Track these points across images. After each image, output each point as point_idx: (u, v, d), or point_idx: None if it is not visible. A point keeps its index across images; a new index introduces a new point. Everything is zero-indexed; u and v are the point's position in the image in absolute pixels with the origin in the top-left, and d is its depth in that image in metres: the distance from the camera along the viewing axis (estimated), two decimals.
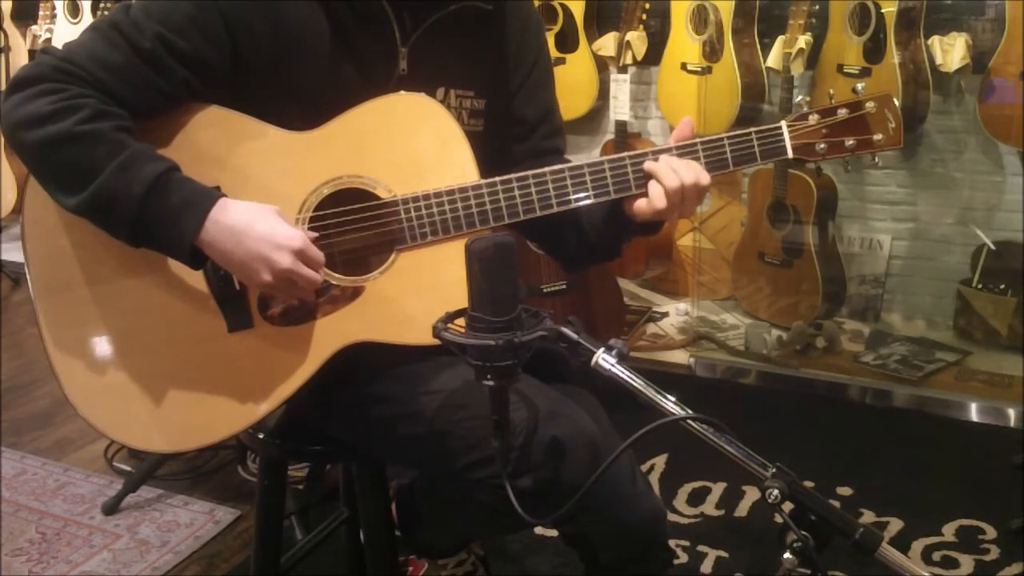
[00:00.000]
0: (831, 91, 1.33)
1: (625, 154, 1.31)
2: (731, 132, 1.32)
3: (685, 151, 1.31)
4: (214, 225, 1.20)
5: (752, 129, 1.31)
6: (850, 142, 1.32)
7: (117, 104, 1.23)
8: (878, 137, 1.32)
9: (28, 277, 1.31)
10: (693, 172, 1.28)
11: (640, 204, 1.31)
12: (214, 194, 1.23)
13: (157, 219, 1.20)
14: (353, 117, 1.32)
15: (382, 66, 1.35)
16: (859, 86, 1.32)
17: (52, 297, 1.31)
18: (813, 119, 1.32)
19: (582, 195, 1.31)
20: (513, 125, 1.48)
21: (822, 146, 1.32)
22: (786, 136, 1.32)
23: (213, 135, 1.30)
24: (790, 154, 1.32)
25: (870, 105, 1.31)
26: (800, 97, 1.34)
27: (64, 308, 1.31)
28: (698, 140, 1.31)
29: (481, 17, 1.39)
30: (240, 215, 1.21)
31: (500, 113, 1.46)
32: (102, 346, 1.31)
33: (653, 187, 1.29)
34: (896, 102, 1.32)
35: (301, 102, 1.32)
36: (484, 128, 1.44)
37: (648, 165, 1.29)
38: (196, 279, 1.30)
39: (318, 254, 1.25)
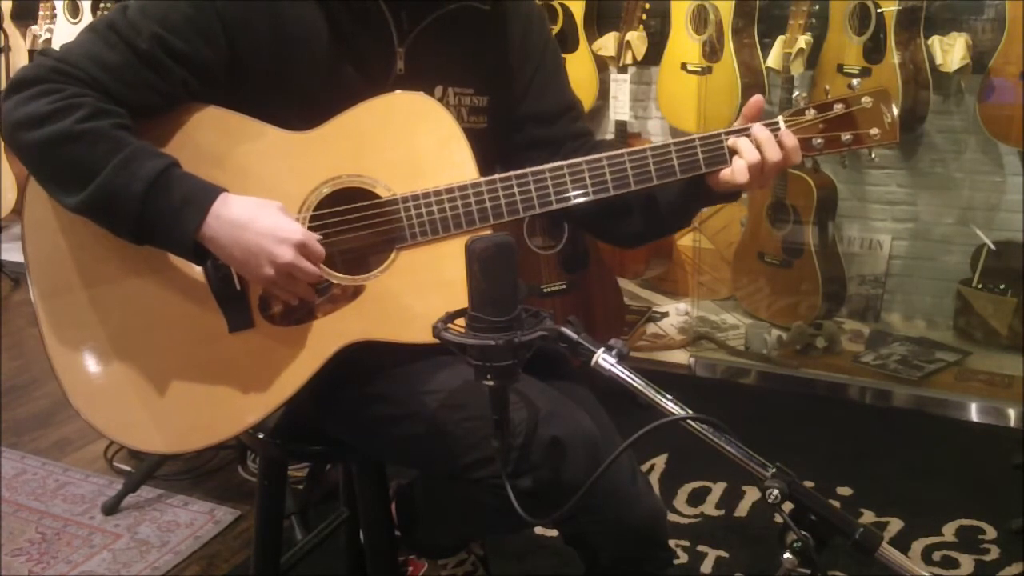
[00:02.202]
0: (827, 86, 1.33)
1: (623, 151, 1.31)
2: (729, 128, 1.32)
3: (683, 147, 1.30)
4: (216, 220, 1.20)
5: (750, 124, 1.30)
6: (846, 137, 1.32)
7: (115, 104, 1.23)
8: (874, 132, 1.32)
9: (29, 279, 1.31)
10: (775, 150, 1.29)
11: (723, 175, 1.31)
12: (215, 189, 1.22)
13: (159, 216, 1.20)
14: (352, 116, 1.32)
15: (379, 66, 1.36)
16: (855, 82, 1.32)
17: (53, 299, 1.31)
18: (810, 114, 1.32)
19: (579, 192, 1.31)
20: (533, 120, 1.47)
21: (819, 141, 1.32)
22: (783, 131, 1.32)
23: (212, 135, 1.30)
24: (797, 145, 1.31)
25: (866, 100, 1.31)
26: (796, 92, 1.34)
27: (65, 310, 1.30)
28: (696, 136, 1.31)
29: (479, 17, 1.39)
30: (242, 209, 1.22)
31: (506, 110, 1.46)
32: (103, 347, 1.31)
33: (736, 161, 1.29)
34: (892, 96, 1.32)
35: (299, 102, 1.32)
36: (488, 125, 1.44)
37: (732, 140, 1.30)
38: (197, 279, 1.30)
39: (319, 248, 1.25)
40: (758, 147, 1.29)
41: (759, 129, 1.29)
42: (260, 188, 1.29)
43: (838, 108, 1.31)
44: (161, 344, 1.31)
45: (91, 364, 1.31)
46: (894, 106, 1.32)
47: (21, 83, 1.22)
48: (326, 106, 1.31)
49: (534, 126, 1.47)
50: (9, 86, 1.24)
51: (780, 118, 1.32)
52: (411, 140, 1.32)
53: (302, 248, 1.22)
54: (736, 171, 1.29)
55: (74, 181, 1.20)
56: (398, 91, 1.34)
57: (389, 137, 1.32)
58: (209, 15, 1.26)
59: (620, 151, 1.31)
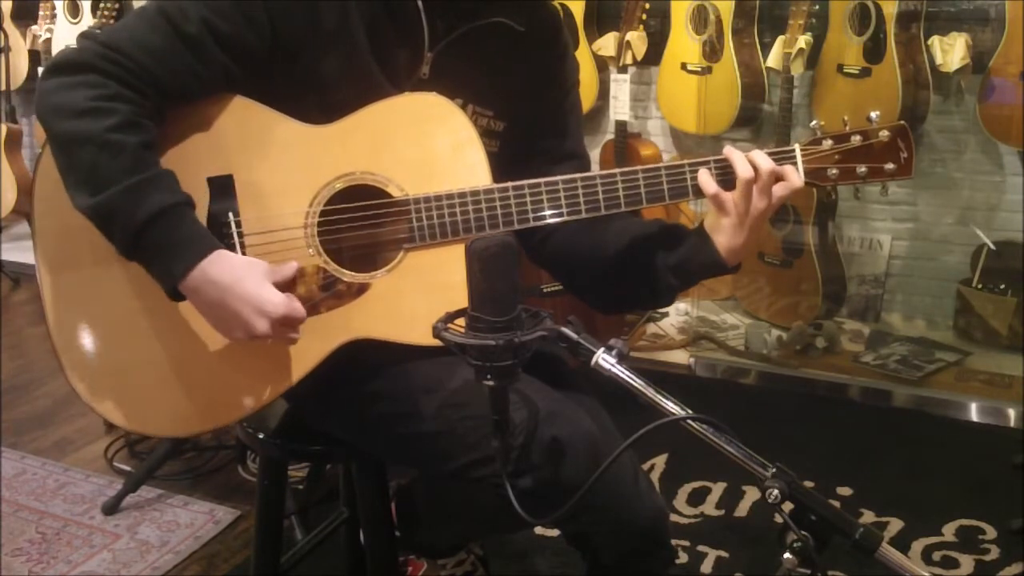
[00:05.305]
0: (845, 117, 1.32)
1: (639, 168, 1.31)
2: (744, 152, 1.31)
3: (697, 165, 1.30)
4: (201, 274, 1.20)
5: (766, 150, 1.30)
6: (862, 169, 1.32)
7: (155, 92, 1.24)
8: (890, 167, 1.31)
9: (35, 253, 1.31)
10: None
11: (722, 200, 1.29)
12: (211, 244, 1.22)
13: (150, 249, 1.21)
14: (370, 114, 1.32)
15: (404, 67, 1.36)
16: (874, 114, 1.31)
17: (58, 274, 1.31)
18: (826, 144, 1.31)
19: (592, 205, 1.31)
20: (541, 154, 1.46)
21: (834, 172, 1.32)
22: (799, 160, 1.31)
23: (231, 123, 1.31)
24: (802, 177, 1.31)
25: (884, 134, 1.30)
26: (815, 122, 1.33)
27: (69, 286, 1.31)
28: (711, 158, 1.31)
29: (513, 38, 1.39)
30: (230, 270, 1.21)
31: (519, 139, 1.45)
32: (105, 327, 1.31)
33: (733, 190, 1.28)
34: (910, 132, 1.31)
35: (322, 93, 1.32)
36: (499, 151, 1.43)
37: (727, 150, 1.29)
38: None
39: (302, 313, 1.24)
40: (754, 166, 1.28)
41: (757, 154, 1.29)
42: (273, 180, 1.30)
43: (855, 140, 1.31)
44: (163, 328, 1.31)
45: (91, 344, 1.31)
46: (912, 142, 1.31)
47: (67, 66, 1.22)
48: (346, 100, 1.31)
49: (539, 160, 1.45)
50: (54, 65, 1.24)
51: (797, 146, 1.32)
52: (427, 141, 1.32)
53: (284, 321, 1.22)
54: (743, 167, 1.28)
55: (86, 184, 1.20)
56: (417, 92, 1.34)
57: (405, 137, 1.32)
58: (256, 2, 1.27)
59: (634, 168, 1.31)
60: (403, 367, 1.36)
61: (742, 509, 2.31)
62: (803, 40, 2.99)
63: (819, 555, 0.93)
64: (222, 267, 1.21)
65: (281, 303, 1.21)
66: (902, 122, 1.31)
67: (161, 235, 1.20)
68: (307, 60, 1.31)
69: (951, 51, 2.89)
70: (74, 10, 4.09)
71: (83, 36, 1.27)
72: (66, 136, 1.21)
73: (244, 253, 1.31)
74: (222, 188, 1.30)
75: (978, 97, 2.96)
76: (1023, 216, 3.12)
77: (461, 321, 1.05)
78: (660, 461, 2.51)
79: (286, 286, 1.27)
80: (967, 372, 3.02)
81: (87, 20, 4.01)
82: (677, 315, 3.57)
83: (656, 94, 3.55)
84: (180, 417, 1.33)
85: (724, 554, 2.13)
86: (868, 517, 2.27)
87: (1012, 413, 2.77)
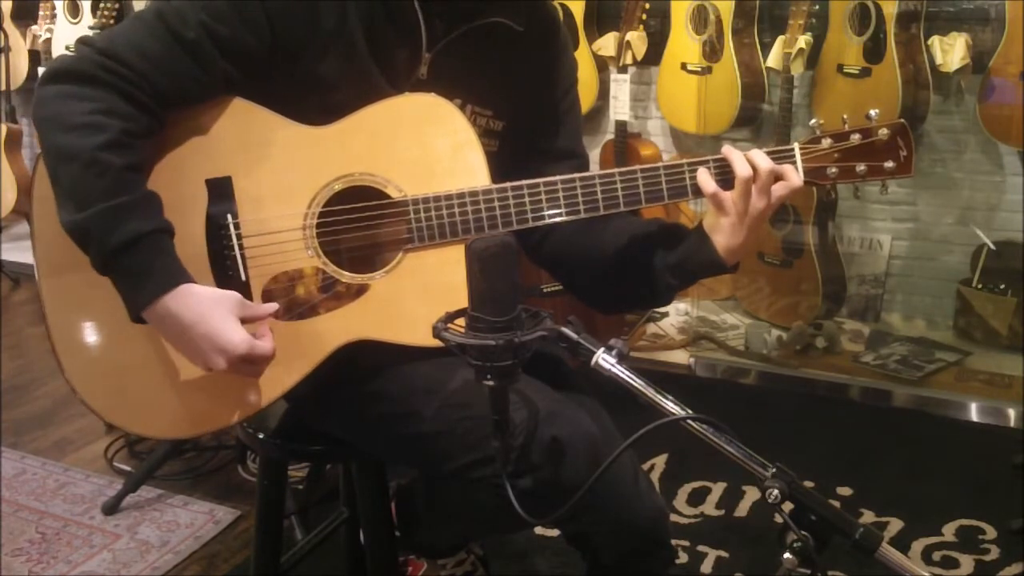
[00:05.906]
0: (845, 116, 1.32)
1: (637, 167, 1.31)
2: (743, 152, 1.31)
3: (696, 165, 1.30)
4: (164, 308, 1.20)
5: (765, 149, 1.30)
6: (861, 168, 1.31)
7: (154, 101, 1.23)
8: (889, 165, 1.31)
9: (34, 255, 1.31)
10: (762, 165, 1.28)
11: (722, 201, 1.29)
12: (178, 278, 1.21)
13: (120, 274, 1.21)
14: (369, 114, 1.32)
15: (403, 68, 1.36)
16: (873, 112, 1.31)
17: (57, 277, 1.31)
18: (826, 143, 1.31)
19: (591, 205, 1.31)
20: (539, 153, 1.46)
21: (833, 171, 1.31)
22: (798, 159, 1.31)
23: (230, 126, 1.31)
24: (801, 177, 1.30)
25: (883, 132, 1.30)
26: (814, 120, 1.33)
27: (68, 289, 1.31)
28: (710, 157, 1.31)
29: (511, 38, 1.39)
30: (193, 306, 1.20)
31: (518, 139, 1.45)
32: (104, 329, 1.31)
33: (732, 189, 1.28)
34: (910, 130, 1.30)
35: (321, 94, 1.32)
36: (498, 150, 1.43)
37: (725, 150, 1.29)
38: (201, 269, 1.30)
39: (265, 352, 1.24)
40: (753, 166, 1.28)
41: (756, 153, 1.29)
42: (272, 181, 1.30)
43: (855, 139, 1.30)
44: None
45: (90, 345, 1.31)
46: (912, 140, 1.31)
47: (65, 75, 1.22)
48: (346, 102, 1.31)
49: (538, 160, 1.45)
50: (52, 72, 1.23)
51: (796, 145, 1.32)
52: (426, 142, 1.32)
53: (245, 359, 1.22)
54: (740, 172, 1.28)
55: (68, 200, 1.20)
56: (417, 92, 1.34)
57: (404, 138, 1.32)
58: (254, 3, 1.27)
59: (633, 167, 1.31)
60: (403, 367, 1.36)
61: (742, 509, 2.31)
62: (803, 40, 2.99)
63: (819, 555, 0.93)
64: (186, 302, 1.20)
65: (240, 343, 1.21)
66: (901, 120, 1.31)
67: (131, 263, 1.19)
68: (306, 61, 1.31)
69: (951, 51, 2.89)
70: (74, 10, 4.09)
71: (81, 42, 1.25)
72: (56, 150, 1.20)
73: (243, 255, 1.31)
74: (221, 190, 1.31)
75: (978, 97, 2.96)
76: (1023, 216, 3.12)
77: (461, 321, 1.05)
78: (660, 461, 2.51)
79: (260, 319, 1.26)
80: (967, 372, 3.02)
81: (87, 20, 4.01)
82: (677, 315, 3.57)
83: (656, 94, 3.55)
84: (178, 419, 1.33)
85: (724, 554, 2.13)
86: (868, 517, 2.27)
87: (1012, 413, 2.77)
